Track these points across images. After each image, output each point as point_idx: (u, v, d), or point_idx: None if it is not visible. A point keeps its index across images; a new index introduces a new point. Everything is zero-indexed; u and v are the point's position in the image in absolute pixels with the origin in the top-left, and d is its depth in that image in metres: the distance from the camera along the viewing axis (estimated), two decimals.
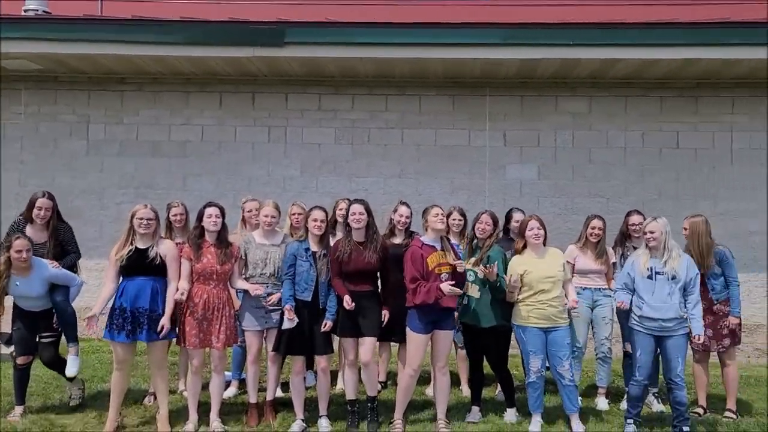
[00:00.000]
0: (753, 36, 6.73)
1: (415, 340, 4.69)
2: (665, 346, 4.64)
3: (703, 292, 5.13)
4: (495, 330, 4.92)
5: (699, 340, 4.65)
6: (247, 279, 4.89)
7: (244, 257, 4.92)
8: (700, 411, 5.26)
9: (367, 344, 4.76)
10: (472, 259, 4.94)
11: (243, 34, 7.02)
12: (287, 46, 7.02)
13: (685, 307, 4.62)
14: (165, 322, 4.47)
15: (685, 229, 5.26)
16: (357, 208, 4.79)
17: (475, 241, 5.06)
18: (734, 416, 5.11)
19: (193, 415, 4.69)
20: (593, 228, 5.49)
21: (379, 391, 5.59)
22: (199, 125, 8.24)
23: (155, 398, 5.02)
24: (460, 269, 4.64)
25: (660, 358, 4.87)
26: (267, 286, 4.85)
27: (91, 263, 8.09)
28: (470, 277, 4.90)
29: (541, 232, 4.86)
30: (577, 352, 5.48)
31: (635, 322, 4.72)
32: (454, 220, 5.58)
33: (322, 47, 7.05)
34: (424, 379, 5.94)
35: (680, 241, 5.49)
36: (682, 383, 4.60)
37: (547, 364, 4.90)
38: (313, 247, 4.74)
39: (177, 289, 4.56)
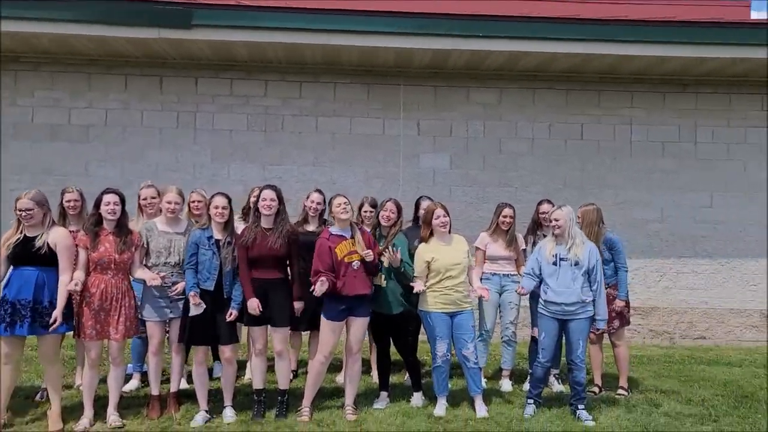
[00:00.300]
0: (648, 34, 7.11)
1: (329, 327, 4.68)
2: (568, 329, 4.85)
3: None
4: (402, 316, 4.98)
5: (603, 325, 4.91)
6: (149, 268, 4.72)
7: (146, 245, 4.73)
8: (596, 390, 5.53)
9: (279, 334, 4.71)
10: (378, 248, 4.96)
11: (148, 14, 6.75)
12: (195, 29, 6.82)
13: (590, 292, 4.84)
14: (57, 314, 4.24)
15: (579, 217, 5.50)
16: (268, 194, 4.70)
17: (379, 229, 5.08)
18: (626, 393, 5.43)
19: (88, 411, 4.48)
20: (504, 216, 5.65)
21: (291, 380, 5.57)
22: (102, 109, 7.86)
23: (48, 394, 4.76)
24: (368, 258, 4.65)
25: (563, 341, 5.07)
26: (172, 275, 4.71)
27: None
28: None
29: (447, 219, 4.96)
30: (485, 335, 5.65)
31: (541, 307, 4.91)
32: (365, 212, 5.57)
33: (231, 30, 6.90)
34: (335, 367, 5.97)
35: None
36: (582, 364, 4.83)
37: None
38: (217, 235, 4.62)
39: (71, 280, 4.33)
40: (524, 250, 5.76)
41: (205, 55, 7.58)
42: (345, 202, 4.72)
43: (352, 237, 4.71)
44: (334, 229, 4.75)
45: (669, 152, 8.27)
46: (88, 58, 7.73)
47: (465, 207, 8.03)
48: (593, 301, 4.86)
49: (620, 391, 5.43)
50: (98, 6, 6.73)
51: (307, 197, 5.45)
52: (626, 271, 5.48)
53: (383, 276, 4.88)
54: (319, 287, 4.42)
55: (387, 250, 4.78)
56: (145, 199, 5.17)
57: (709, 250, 8.25)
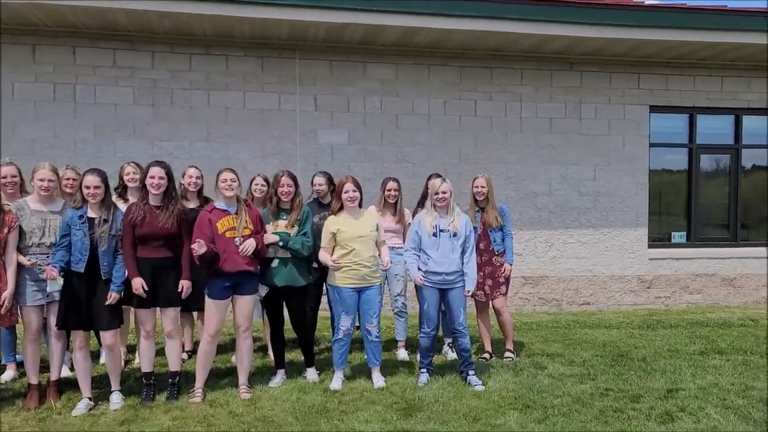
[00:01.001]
0: (534, 12, 7.36)
1: (213, 306, 4.59)
2: (448, 298, 5.00)
3: (486, 245, 5.62)
4: (304, 290, 4.94)
5: (469, 294, 5.09)
6: (20, 250, 4.39)
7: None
8: (487, 356, 5.76)
9: (169, 314, 4.56)
10: (282, 222, 4.87)
11: None
12: None
13: (462, 263, 5.00)
14: None
15: (483, 186, 5.65)
16: (157, 171, 4.50)
17: (279, 205, 4.98)
18: (512, 355, 5.69)
19: None
20: (389, 190, 5.71)
21: (183, 362, 5.41)
22: None
23: None
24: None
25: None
26: (46, 257, 4.41)
27: None
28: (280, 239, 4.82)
29: (356, 194, 4.94)
30: None
31: (422, 277, 5.00)
32: (256, 185, 5.51)
33: None
34: (230, 347, 5.87)
35: (465, 200, 5.96)
36: (465, 331, 5.01)
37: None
38: (91, 213, 4.36)
39: None
40: (410, 224, 5.81)
41: (82, 22, 7.08)
42: (232, 179, 4.62)
43: (237, 213, 4.60)
44: (218, 204, 4.64)
45: (556, 128, 8.65)
46: None
47: (363, 182, 7.70)
48: (465, 272, 5.03)
49: (507, 354, 5.70)
50: None
51: (183, 174, 5.34)
52: (512, 238, 5.74)
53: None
54: (198, 247, 4.31)
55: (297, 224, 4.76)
56: (5, 177, 4.75)
57: (593, 221, 8.76)
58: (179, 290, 4.53)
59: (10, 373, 5.09)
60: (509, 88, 8.55)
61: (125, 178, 5.36)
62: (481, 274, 5.61)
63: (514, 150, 8.57)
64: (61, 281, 4.17)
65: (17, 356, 5.15)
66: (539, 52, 8.33)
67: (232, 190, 4.59)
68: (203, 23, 7.10)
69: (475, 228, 5.61)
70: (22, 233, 4.42)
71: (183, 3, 6.62)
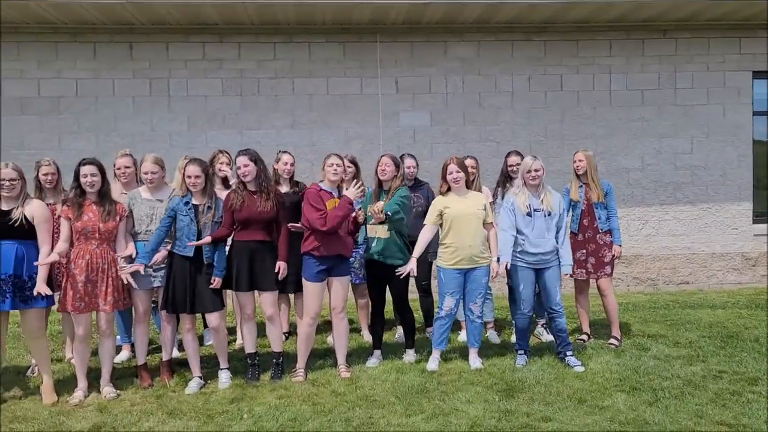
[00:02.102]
0: None
1: (310, 288, 4.68)
2: (543, 278, 4.90)
3: (591, 221, 5.44)
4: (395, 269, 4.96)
5: (567, 276, 4.99)
6: (134, 236, 4.63)
7: (130, 214, 4.64)
8: (585, 338, 5.61)
9: (268, 298, 4.69)
10: (380, 203, 4.90)
11: None
12: None
13: (556, 241, 4.88)
14: (40, 288, 4.15)
15: (581, 161, 5.47)
16: (242, 160, 4.64)
17: (381, 186, 5.01)
18: (617, 343, 5.43)
19: (81, 383, 4.45)
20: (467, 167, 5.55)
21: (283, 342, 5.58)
22: (72, 79, 7.62)
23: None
24: (360, 219, 4.72)
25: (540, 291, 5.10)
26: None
27: None
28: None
29: (461, 175, 4.88)
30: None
31: (516, 258, 4.91)
32: (339, 166, 5.53)
33: None
34: (325, 328, 5.99)
35: (562, 177, 5.79)
36: (561, 311, 4.90)
37: None
38: (195, 200, 4.54)
39: (51, 251, 4.25)
40: (492, 203, 5.64)
41: (175, 19, 7.34)
42: (338, 164, 4.70)
43: (339, 197, 4.68)
44: (322, 185, 4.72)
45: (648, 100, 8.25)
46: (53, 27, 7.46)
47: None
48: (560, 252, 4.92)
49: (612, 340, 5.46)
50: None
51: (277, 160, 5.44)
52: (617, 217, 5.52)
53: (385, 227, 4.84)
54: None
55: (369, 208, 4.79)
56: (119, 168, 5.06)
57: (690, 196, 8.33)
58: (276, 272, 4.65)
59: (125, 353, 5.41)
60: (597, 60, 8.22)
61: (218, 167, 5.51)
62: (584, 251, 5.45)
63: (603, 124, 8.25)
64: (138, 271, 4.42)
65: (131, 337, 5.47)
66: (629, 21, 7.95)
67: (338, 175, 4.67)
68: (287, 11, 7.21)
69: (578, 203, 5.45)
70: (134, 221, 4.65)
71: None
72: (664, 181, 8.31)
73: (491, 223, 4.97)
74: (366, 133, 8.02)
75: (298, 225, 4.72)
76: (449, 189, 4.91)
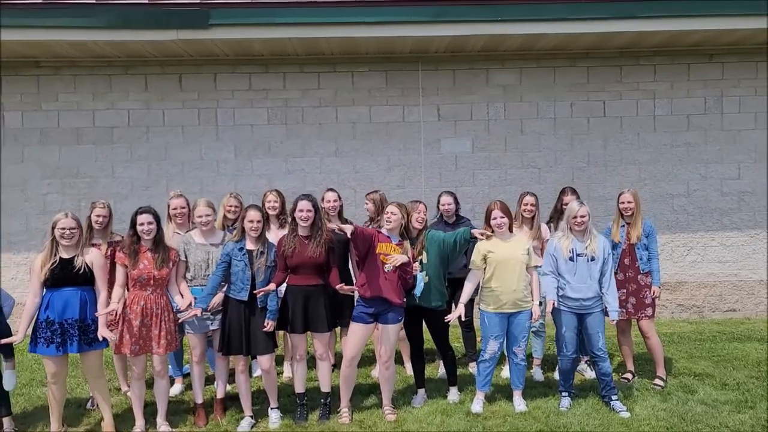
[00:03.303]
0: (668, 9, 6.95)
1: (353, 328, 4.79)
2: (586, 323, 4.92)
3: (632, 261, 5.44)
4: (441, 310, 5.03)
5: (614, 323, 5.03)
6: (189, 281, 4.82)
7: (185, 259, 4.82)
8: (629, 376, 5.60)
9: (320, 339, 4.83)
10: (417, 266, 4.92)
11: (165, 17, 6.74)
12: (212, 28, 6.80)
13: (600, 287, 4.90)
14: (103, 333, 4.36)
15: (630, 202, 5.46)
16: (305, 205, 4.72)
17: (408, 232, 5.07)
18: (663, 383, 5.39)
19: (139, 420, 4.65)
20: (526, 204, 5.59)
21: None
22: (124, 109, 7.93)
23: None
24: (414, 271, 4.77)
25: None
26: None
27: (18, 257, 7.89)
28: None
29: (504, 220, 4.91)
30: (540, 328, 5.80)
31: (559, 301, 4.94)
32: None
33: (249, 28, 6.87)
34: (370, 360, 6.10)
35: (605, 204, 5.78)
36: (604, 355, 4.91)
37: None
38: (249, 246, 4.70)
39: (109, 298, 4.48)
40: (547, 240, 5.59)
41: (223, 52, 7.57)
42: (393, 212, 4.75)
43: (398, 245, 4.75)
44: (384, 230, 4.82)
45: (694, 125, 8.15)
46: (107, 60, 7.77)
47: (489, 190, 8.04)
48: (606, 298, 4.93)
49: (657, 381, 5.42)
50: (116, 11, 6.73)
51: (323, 199, 5.55)
52: (658, 259, 5.49)
53: (425, 272, 4.92)
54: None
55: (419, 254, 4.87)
56: (175, 209, 5.25)
57: (737, 222, 8.19)
58: (328, 316, 4.79)
59: (178, 386, 5.62)
60: (641, 86, 8.15)
61: (267, 205, 5.64)
62: (624, 291, 5.44)
63: (647, 150, 8.18)
64: (198, 314, 4.63)
65: (183, 368, 5.68)
66: (673, 45, 7.87)
67: (391, 223, 4.74)
68: (331, 43, 7.36)
69: (619, 243, 5.45)
70: (188, 266, 4.84)
71: (314, 28, 6.88)
72: (710, 207, 8.19)
73: (534, 266, 5.00)
74: (408, 160, 8.12)
75: (348, 288, 4.81)
76: (493, 232, 4.97)
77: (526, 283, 4.91)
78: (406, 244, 4.78)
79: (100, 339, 4.38)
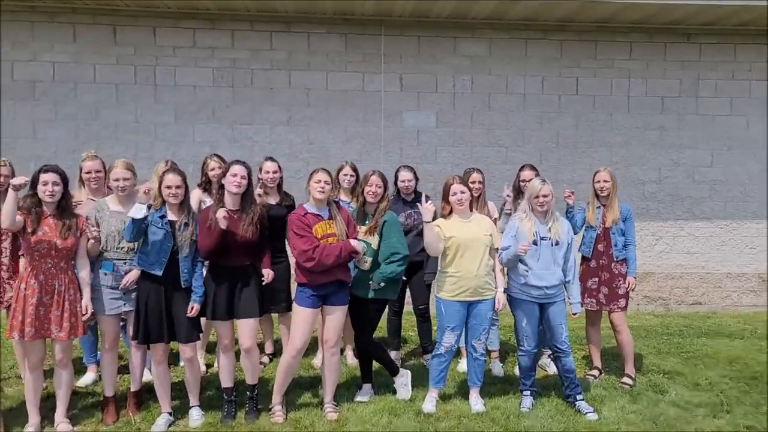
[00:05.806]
0: None
1: (301, 315, 4.16)
2: (548, 314, 4.41)
3: (606, 247, 4.95)
4: (375, 302, 4.44)
5: (576, 316, 4.57)
6: (101, 253, 4.11)
7: (97, 228, 4.10)
8: (596, 373, 5.13)
9: (246, 327, 4.16)
10: (363, 228, 4.40)
11: None
12: None
13: (564, 274, 4.42)
14: None
15: (607, 181, 4.95)
16: (239, 169, 4.07)
17: (365, 206, 4.49)
18: (632, 382, 4.93)
19: (33, 417, 3.95)
20: (473, 182, 4.96)
21: (264, 366, 5.13)
22: (49, 62, 7.06)
23: None
24: (357, 247, 4.16)
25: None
26: (124, 263, 4.11)
27: None
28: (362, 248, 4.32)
29: (466, 195, 4.36)
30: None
31: (518, 291, 4.42)
32: (345, 175, 5.10)
33: None
34: (313, 348, 5.49)
35: (572, 187, 5.36)
36: (568, 349, 4.44)
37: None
38: (171, 216, 4.02)
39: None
40: (495, 219, 5.06)
41: (164, 3, 6.77)
42: (326, 181, 4.12)
43: (330, 218, 4.15)
44: (309, 207, 4.18)
45: (668, 107, 7.73)
46: (29, 5, 6.88)
47: (452, 169, 7.45)
48: (567, 283, 4.46)
49: (626, 379, 4.95)
50: None
51: (260, 169, 4.96)
52: (635, 246, 5.01)
53: (369, 259, 4.32)
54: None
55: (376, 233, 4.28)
56: (88, 172, 4.49)
57: (708, 212, 7.84)
58: (257, 300, 4.15)
59: (90, 375, 4.90)
60: (616, 64, 7.68)
61: (210, 173, 4.97)
62: (596, 279, 4.96)
63: (619, 132, 7.73)
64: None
65: (98, 355, 4.98)
66: (652, 22, 7.40)
67: (324, 193, 4.12)
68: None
69: (593, 227, 4.96)
70: (101, 237, 4.13)
71: None
72: (681, 195, 7.81)
73: (497, 249, 4.46)
74: (367, 133, 7.48)
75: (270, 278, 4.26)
76: (452, 211, 4.39)
77: (489, 269, 4.36)
78: (335, 212, 4.18)
79: None
